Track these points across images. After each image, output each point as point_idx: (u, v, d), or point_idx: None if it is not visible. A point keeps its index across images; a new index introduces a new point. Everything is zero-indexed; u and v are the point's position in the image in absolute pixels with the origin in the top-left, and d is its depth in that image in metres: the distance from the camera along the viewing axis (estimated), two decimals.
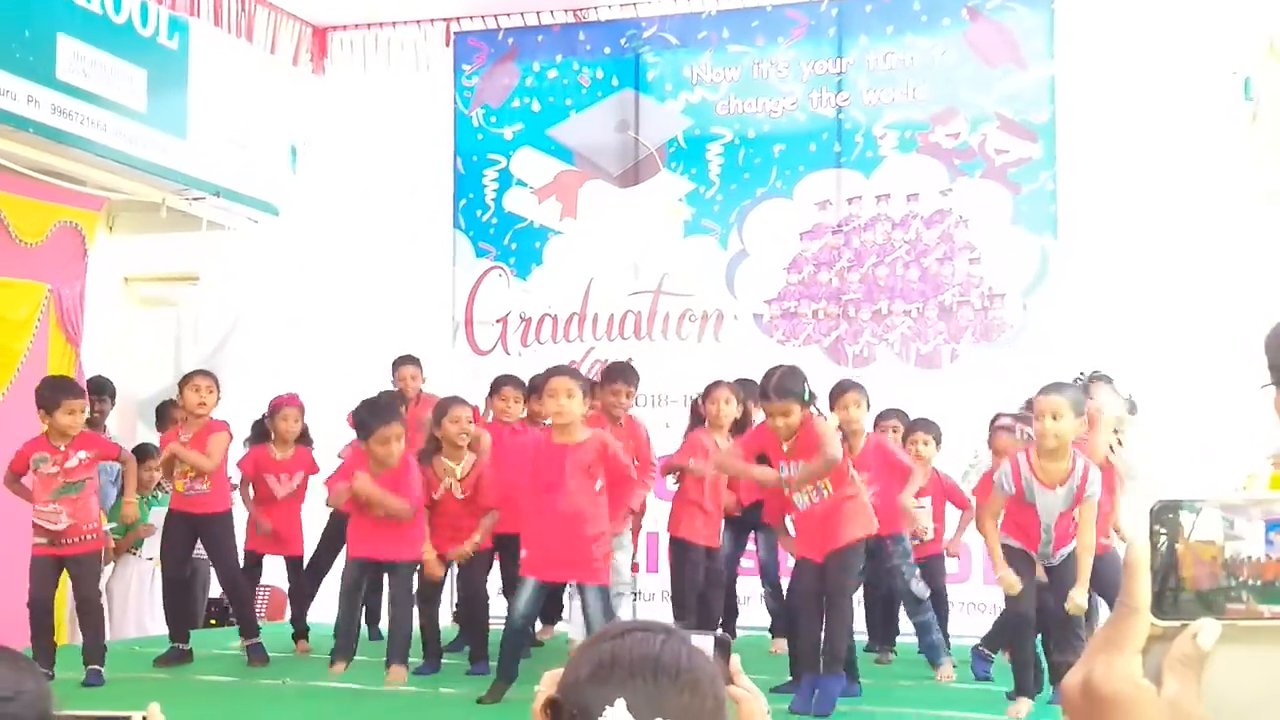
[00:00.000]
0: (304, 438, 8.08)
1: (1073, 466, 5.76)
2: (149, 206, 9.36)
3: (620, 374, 7.61)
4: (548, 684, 1.66)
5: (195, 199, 9.49)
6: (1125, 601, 0.98)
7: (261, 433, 8.03)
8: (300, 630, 8.06)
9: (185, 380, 7.55)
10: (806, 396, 6.05)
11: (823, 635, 6.09)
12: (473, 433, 7.18)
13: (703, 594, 7.41)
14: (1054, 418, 5.65)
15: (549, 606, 8.16)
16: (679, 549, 7.38)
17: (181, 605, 7.76)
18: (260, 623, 8.00)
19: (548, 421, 6.61)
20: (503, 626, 6.48)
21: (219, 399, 7.51)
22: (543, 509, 6.21)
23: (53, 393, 6.87)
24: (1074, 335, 8.44)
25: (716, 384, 7.53)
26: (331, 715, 6.07)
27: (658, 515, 8.07)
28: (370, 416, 6.62)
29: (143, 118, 8.86)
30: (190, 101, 9.38)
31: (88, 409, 7.02)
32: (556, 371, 6.49)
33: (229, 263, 10.53)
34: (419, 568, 7.03)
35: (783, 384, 6.06)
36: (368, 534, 6.68)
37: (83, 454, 6.83)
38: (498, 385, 7.79)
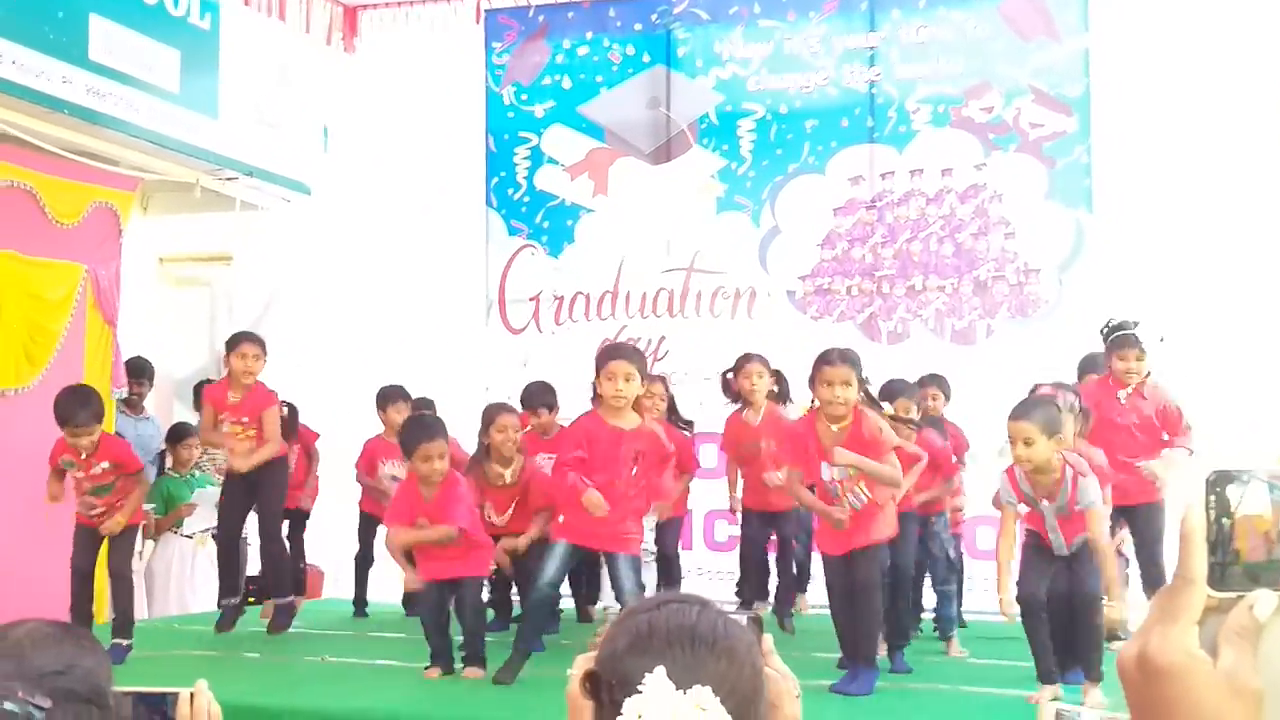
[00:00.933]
0: (288, 425, 7.90)
1: (1061, 478, 5.63)
2: (183, 187, 9.40)
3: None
4: (581, 665, 1.67)
5: (228, 179, 9.52)
6: (1181, 573, 0.97)
7: None
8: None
9: (232, 346, 7.50)
10: (864, 376, 6.01)
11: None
12: (519, 440, 7.24)
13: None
14: (1025, 444, 5.54)
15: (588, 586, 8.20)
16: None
17: (234, 562, 7.81)
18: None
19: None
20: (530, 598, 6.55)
21: (265, 363, 7.49)
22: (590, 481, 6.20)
23: (65, 410, 6.76)
24: (1110, 310, 8.36)
25: (747, 357, 7.51)
26: (371, 693, 6.10)
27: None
28: (412, 434, 6.62)
29: (175, 98, 8.89)
30: (222, 81, 9.40)
31: (119, 389, 7.02)
32: (617, 353, 6.34)
33: (262, 242, 10.58)
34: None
35: (846, 353, 6.01)
36: (433, 556, 6.60)
37: (105, 464, 6.90)
38: (490, 416, 7.41)
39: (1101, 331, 7.10)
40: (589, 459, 6.20)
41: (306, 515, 8.44)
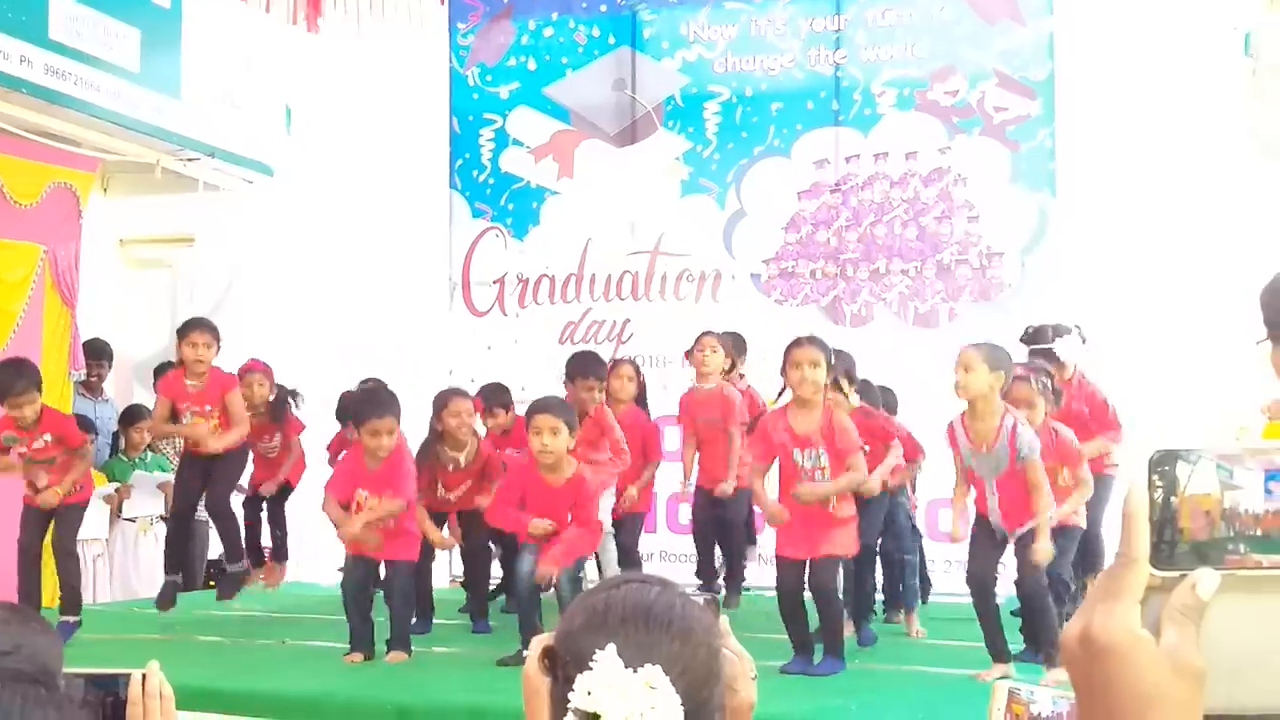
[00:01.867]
0: (276, 407, 7.90)
1: (1000, 426, 5.66)
2: (143, 168, 9.33)
3: (590, 368, 7.39)
4: (539, 645, 1.67)
5: (190, 160, 9.46)
6: (1124, 552, 0.97)
7: None
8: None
9: (182, 334, 7.30)
10: (833, 361, 6.02)
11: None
12: (472, 425, 7.19)
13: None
14: (965, 370, 5.61)
15: None
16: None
17: (182, 540, 7.76)
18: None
19: None
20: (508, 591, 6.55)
21: (219, 349, 7.32)
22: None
23: (7, 381, 6.66)
24: (1072, 293, 8.41)
25: (705, 334, 7.55)
26: (329, 676, 6.08)
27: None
28: (362, 407, 6.58)
29: (136, 78, 8.82)
30: (184, 61, 9.33)
31: (77, 370, 6.97)
32: (543, 407, 6.24)
33: (224, 224, 10.50)
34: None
35: (815, 337, 6.09)
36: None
37: (48, 437, 6.83)
38: (444, 400, 7.26)
39: (1021, 339, 7.05)
40: (527, 504, 6.24)
41: (290, 488, 8.28)
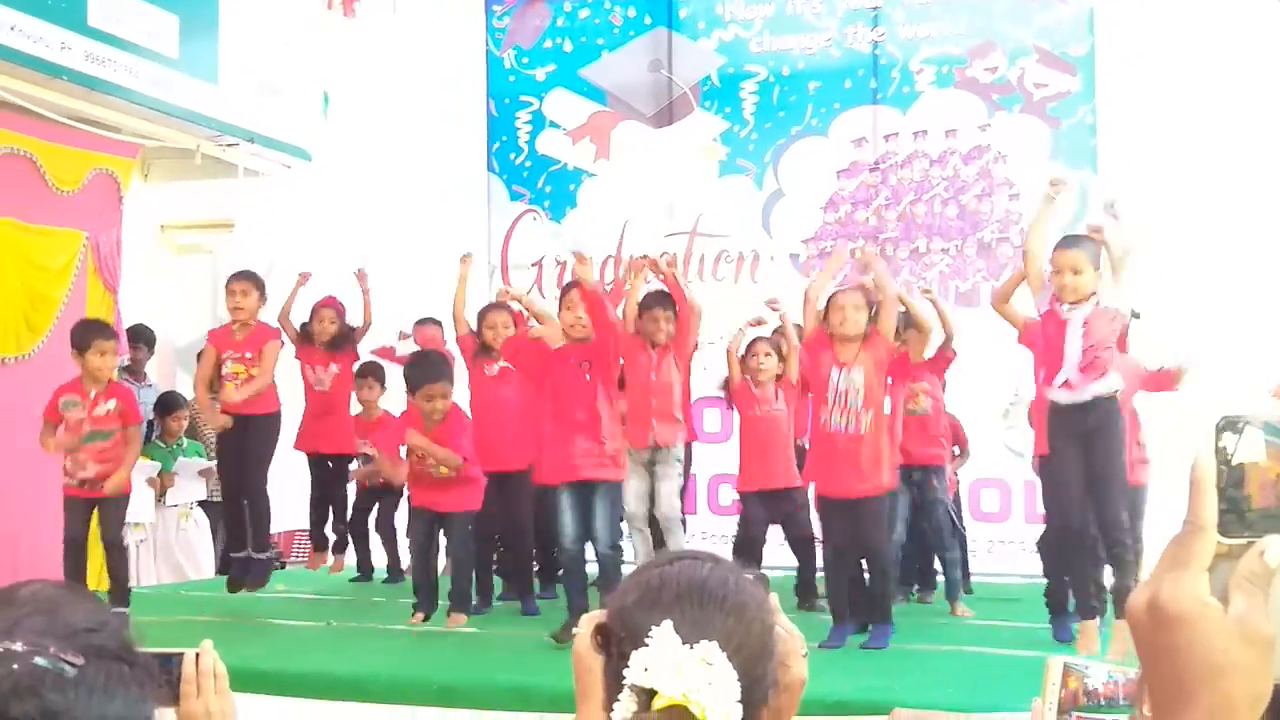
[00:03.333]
0: (343, 338, 8.14)
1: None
2: (183, 153, 9.37)
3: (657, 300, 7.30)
4: (589, 622, 1.66)
5: (228, 145, 9.49)
6: (1191, 520, 0.96)
7: (304, 335, 8.15)
8: (320, 542, 8.36)
9: (227, 286, 7.57)
10: (873, 313, 6.13)
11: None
12: (508, 336, 7.25)
13: None
14: (1074, 272, 5.68)
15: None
16: None
17: (239, 515, 7.79)
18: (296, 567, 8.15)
19: None
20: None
21: (262, 299, 7.53)
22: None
23: (84, 333, 6.95)
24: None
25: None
26: (374, 657, 6.12)
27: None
28: (417, 372, 6.77)
29: (175, 64, 8.85)
30: (222, 47, 9.35)
31: (122, 355, 7.03)
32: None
33: (263, 209, 10.54)
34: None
35: (861, 285, 6.30)
36: (425, 485, 6.86)
37: (112, 404, 6.89)
38: (483, 313, 7.58)
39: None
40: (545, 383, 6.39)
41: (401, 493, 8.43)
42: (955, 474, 7.77)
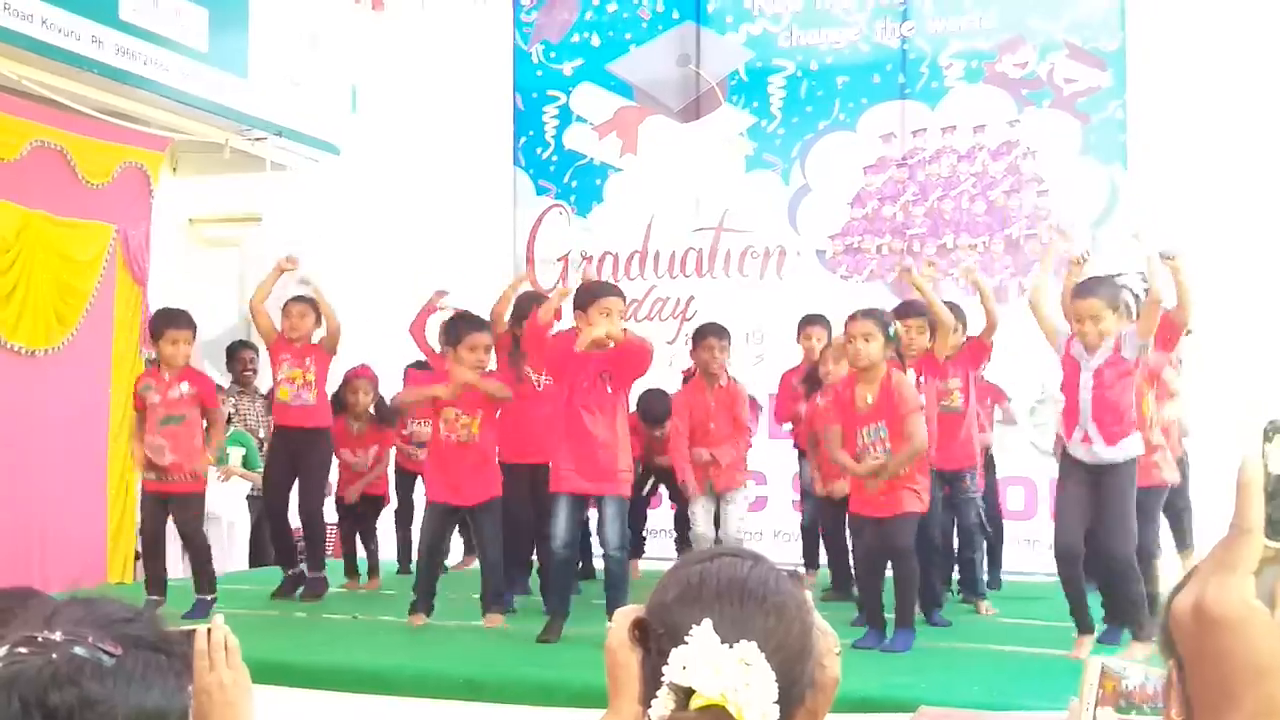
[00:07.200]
0: (381, 413, 8.11)
1: (1116, 335, 5.74)
2: (212, 147, 9.41)
3: (711, 329, 7.52)
4: (624, 617, 1.66)
5: (257, 139, 9.52)
6: (1238, 523, 0.96)
7: (337, 405, 8.03)
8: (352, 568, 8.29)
9: (284, 307, 7.67)
10: (891, 334, 6.07)
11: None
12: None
13: None
14: (1094, 320, 5.66)
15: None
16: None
17: (286, 533, 7.83)
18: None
19: None
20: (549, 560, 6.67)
21: (317, 321, 7.62)
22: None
23: (158, 322, 7.17)
24: (1144, 268, 8.28)
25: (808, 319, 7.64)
26: (401, 650, 6.14)
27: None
28: (463, 323, 6.76)
29: (204, 58, 8.89)
30: (251, 41, 9.39)
31: (191, 340, 7.09)
32: (611, 289, 6.56)
33: (291, 203, 10.57)
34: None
35: (871, 310, 6.23)
36: (446, 477, 6.71)
37: (185, 386, 7.01)
38: (525, 307, 7.37)
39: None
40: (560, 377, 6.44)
41: (384, 503, 8.45)
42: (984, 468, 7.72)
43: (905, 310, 7.12)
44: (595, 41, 10.07)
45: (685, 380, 7.92)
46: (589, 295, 6.33)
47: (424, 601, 6.72)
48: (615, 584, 6.21)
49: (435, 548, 6.84)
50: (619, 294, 6.45)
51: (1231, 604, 0.93)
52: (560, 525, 6.29)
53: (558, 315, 6.65)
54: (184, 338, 7.03)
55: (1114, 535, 5.74)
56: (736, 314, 8.94)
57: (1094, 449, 5.75)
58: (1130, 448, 5.76)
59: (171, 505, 7.07)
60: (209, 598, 6.98)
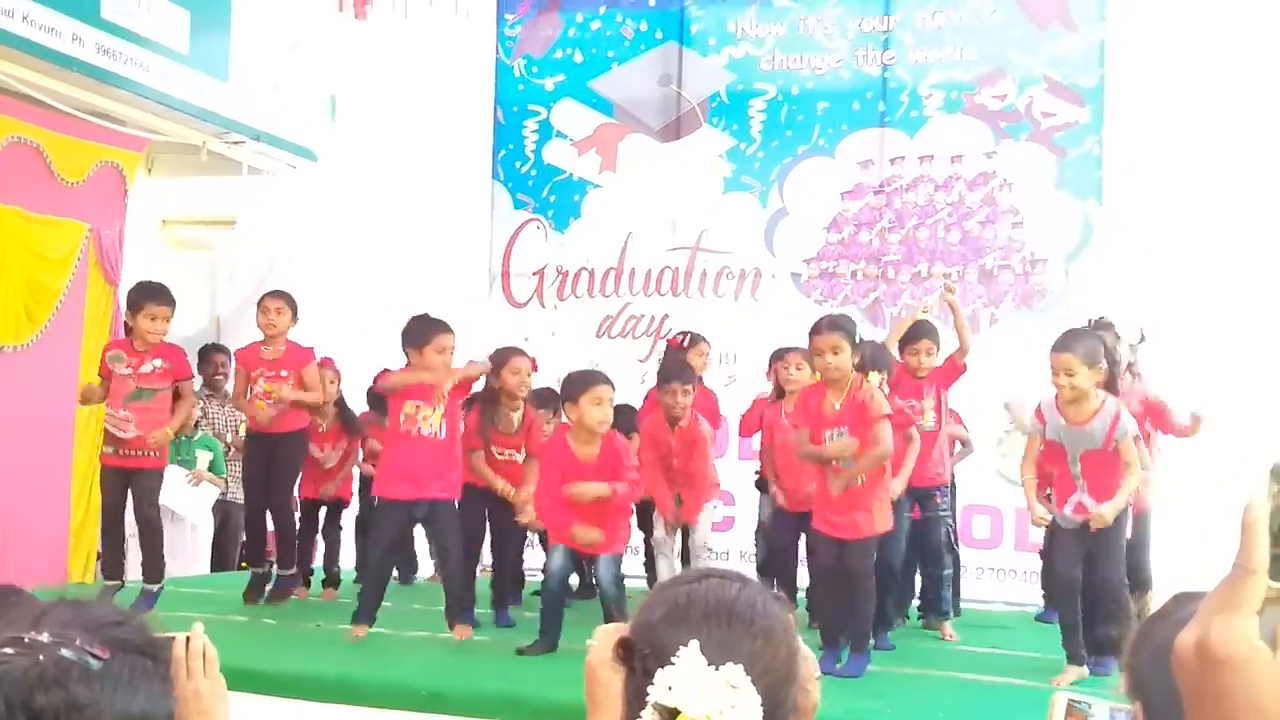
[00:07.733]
0: (347, 420, 8.11)
1: (1101, 408, 5.76)
2: (189, 149, 9.37)
3: (675, 373, 7.37)
4: (604, 635, 1.65)
5: (235, 143, 9.49)
6: (1242, 563, 0.96)
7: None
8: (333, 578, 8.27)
9: (258, 303, 7.55)
10: (858, 341, 6.06)
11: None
12: (530, 384, 7.19)
13: None
14: (1068, 374, 5.68)
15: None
16: None
17: (262, 531, 7.78)
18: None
19: None
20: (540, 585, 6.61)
21: (292, 319, 7.48)
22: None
23: (137, 294, 6.99)
24: (1117, 303, 8.35)
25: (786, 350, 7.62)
26: (364, 660, 6.10)
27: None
28: (425, 326, 6.61)
29: (185, 59, 8.85)
30: (233, 44, 9.36)
31: (170, 316, 7.00)
32: (600, 378, 6.42)
33: (266, 208, 10.54)
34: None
35: (836, 320, 6.15)
36: (403, 470, 6.56)
37: (158, 362, 6.91)
38: (504, 358, 7.22)
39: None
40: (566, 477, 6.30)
41: (344, 504, 8.42)
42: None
43: (916, 332, 7.20)
44: (578, 58, 10.08)
45: (645, 398, 7.92)
46: (580, 384, 6.29)
47: (367, 612, 6.59)
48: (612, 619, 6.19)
49: (389, 552, 6.77)
50: (608, 382, 6.36)
51: (1235, 644, 0.94)
52: (556, 564, 6.34)
53: (467, 386, 6.77)
54: (163, 314, 6.91)
55: (1111, 564, 5.83)
56: (710, 334, 8.94)
57: (1088, 508, 5.84)
58: (1122, 503, 5.83)
59: (131, 480, 6.95)
60: (155, 588, 6.93)
